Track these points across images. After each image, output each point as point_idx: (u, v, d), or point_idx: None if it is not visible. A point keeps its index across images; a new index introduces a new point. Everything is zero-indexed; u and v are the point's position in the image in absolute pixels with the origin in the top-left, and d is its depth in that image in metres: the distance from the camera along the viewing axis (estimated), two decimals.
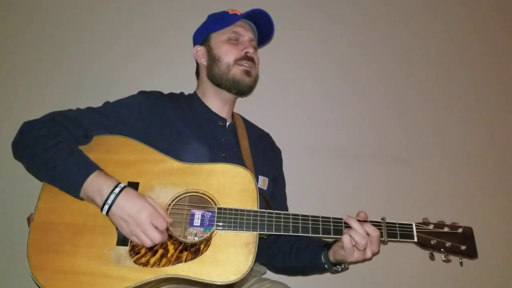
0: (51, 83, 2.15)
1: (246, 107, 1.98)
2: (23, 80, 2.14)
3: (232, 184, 1.47)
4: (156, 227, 1.34)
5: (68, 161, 1.37)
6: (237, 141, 1.75)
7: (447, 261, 1.49)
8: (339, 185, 2.25)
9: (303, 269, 1.70)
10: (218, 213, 1.42)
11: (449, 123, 2.41)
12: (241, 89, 1.72)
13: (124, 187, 1.36)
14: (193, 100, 1.80)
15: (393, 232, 1.48)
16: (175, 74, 2.17)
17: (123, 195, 1.34)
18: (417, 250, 1.57)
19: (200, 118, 1.73)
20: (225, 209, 1.43)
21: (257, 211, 1.44)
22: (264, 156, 1.80)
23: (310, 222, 1.45)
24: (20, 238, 1.40)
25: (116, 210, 1.33)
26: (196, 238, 1.42)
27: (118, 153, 1.49)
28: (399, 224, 1.49)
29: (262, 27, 1.82)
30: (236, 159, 1.65)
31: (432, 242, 1.48)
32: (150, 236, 1.33)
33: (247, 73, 1.71)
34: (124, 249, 1.36)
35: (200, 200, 1.46)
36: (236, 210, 1.43)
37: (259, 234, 1.43)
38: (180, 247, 1.38)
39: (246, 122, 1.89)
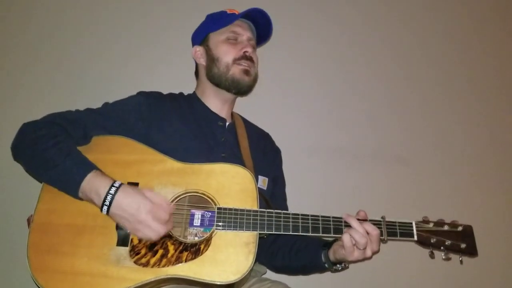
0: (51, 83, 2.15)
1: (246, 107, 1.98)
2: (23, 80, 2.14)
3: (231, 184, 1.47)
4: (159, 221, 1.34)
5: (67, 161, 1.37)
6: (237, 141, 1.75)
7: (447, 259, 1.50)
8: (339, 185, 2.24)
9: (303, 268, 1.70)
10: (218, 213, 1.42)
11: (449, 123, 2.41)
12: (241, 89, 1.72)
13: (120, 185, 1.35)
14: (193, 100, 1.80)
15: (393, 230, 1.48)
16: (175, 74, 2.17)
17: (120, 194, 1.34)
18: (417, 249, 1.57)
19: (200, 118, 1.73)
20: (225, 209, 1.43)
21: (257, 211, 1.44)
22: (263, 156, 1.80)
23: (310, 221, 1.45)
24: (20, 239, 1.40)
25: (115, 209, 1.33)
26: (196, 238, 1.42)
27: (117, 154, 1.49)
28: (399, 222, 1.49)
29: (261, 26, 1.82)
30: (236, 159, 1.65)
31: (432, 241, 1.48)
32: (155, 230, 1.33)
33: (246, 72, 1.71)
34: (124, 250, 1.36)
35: (199, 200, 1.46)
36: (236, 210, 1.43)
37: (259, 233, 1.43)
38: (180, 247, 1.38)
39: (246, 122, 1.89)
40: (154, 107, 1.64)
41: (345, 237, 1.42)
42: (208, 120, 1.74)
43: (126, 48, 2.24)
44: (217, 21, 1.78)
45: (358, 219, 1.45)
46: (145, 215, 1.33)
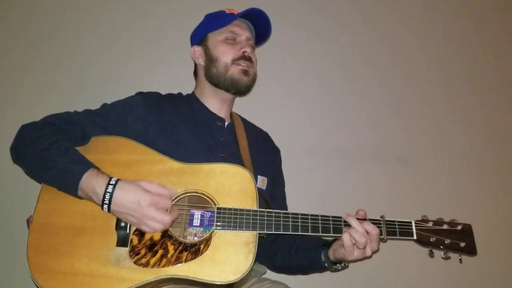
0: (51, 83, 2.15)
1: (246, 107, 1.98)
2: (23, 80, 2.14)
3: (231, 184, 1.47)
4: (162, 211, 1.34)
5: (65, 160, 1.37)
6: (236, 141, 1.75)
7: (447, 258, 1.50)
8: (339, 185, 2.24)
9: (303, 268, 1.70)
10: (217, 213, 1.42)
11: (449, 123, 2.41)
12: (240, 89, 1.72)
13: (117, 182, 1.35)
14: (192, 100, 1.80)
15: (393, 230, 1.48)
16: (174, 74, 2.17)
17: (118, 191, 1.33)
18: (417, 248, 1.58)
19: (199, 118, 1.73)
20: (224, 208, 1.43)
21: (256, 211, 1.44)
22: (263, 156, 1.80)
23: (309, 221, 1.45)
24: (20, 240, 1.40)
25: (116, 207, 1.34)
26: (195, 238, 1.42)
27: (116, 154, 1.49)
28: (398, 222, 1.50)
29: (260, 26, 1.81)
30: (235, 159, 1.65)
31: (431, 240, 1.49)
32: (160, 220, 1.34)
33: (245, 72, 1.71)
34: (124, 250, 1.36)
35: (199, 200, 1.46)
36: (236, 209, 1.43)
37: (259, 233, 1.43)
38: (180, 248, 1.38)
39: (245, 122, 1.88)
40: (153, 108, 1.64)
41: (345, 237, 1.43)
42: (207, 120, 1.74)
43: (125, 48, 2.24)
44: (215, 21, 1.78)
45: (358, 219, 1.46)
46: (147, 208, 1.33)
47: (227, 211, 1.42)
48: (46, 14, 2.23)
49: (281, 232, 1.45)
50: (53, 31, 2.21)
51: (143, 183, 1.37)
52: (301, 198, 2.00)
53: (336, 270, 1.58)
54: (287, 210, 1.74)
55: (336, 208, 1.54)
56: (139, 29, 2.27)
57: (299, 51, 2.39)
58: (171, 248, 1.37)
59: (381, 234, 1.46)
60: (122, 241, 1.37)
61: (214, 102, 1.78)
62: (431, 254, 1.49)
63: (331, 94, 2.37)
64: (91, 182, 1.34)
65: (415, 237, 1.49)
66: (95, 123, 1.54)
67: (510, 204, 2.31)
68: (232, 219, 1.42)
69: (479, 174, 2.34)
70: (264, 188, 1.72)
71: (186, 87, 1.88)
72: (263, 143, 1.90)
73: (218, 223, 1.41)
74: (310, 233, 1.45)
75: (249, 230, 1.41)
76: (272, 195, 1.76)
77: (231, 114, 1.86)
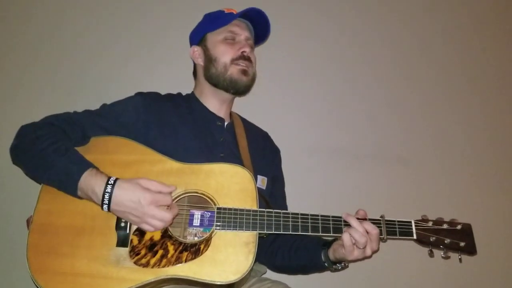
0: (51, 83, 2.15)
1: (246, 107, 1.98)
2: (23, 80, 2.14)
3: (231, 184, 1.47)
4: (162, 209, 1.34)
5: (64, 160, 1.37)
6: (236, 141, 1.74)
7: (447, 257, 1.51)
8: (339, 185, 2.24)
9: (303, 267, 1.71)
10: (217, 213, 1.42)
11: (449, 123, 2.41)
12: (239, 89, 1.72)
13: (115, 181, 1.35)
14: (191, 100, 1.80)
15: (393, 229, 1.48)
16: (174, 74, 2.17)
17: (117, 190, 1.33)
18: (417, 247, 1.58)
19: (198, 118, 1.73)
20: (224, 208, 1.43)
21: (256, 211, 1.44)
22: (262, 156, 1.80)
23: (309, 220, 1.45)
24: (20, 240, 1.40)
25: (116, 206, 1.33)
26: (195, 238, 1.42)
27: (116, 154, 1.49)
28: (398, 221, 1.50)
29: (259, 25, 1.81)
30: (235, 158, 1.65)
31: (431, 239, 1.49)
32: (161, 218, 1.33)
33: (244, 72, 1.71)
34: (124, 250, 1.36)
35: (199, 200, 1.46)
36: (236, 209, 1.43)
37: (259, 233, 1.43)
38: (180, 248, 1.38)
39: (245, 122, 1.88)
40: (153, 108, 1.64)
41: (345, 236, 1.43)
42: (207, 120, 1.74)
43: (125, 48, 2.24)
44: (214, 21, 1.78)
45: (358, 218, 1.46)
46: (147, 206, 1.32)
47: (227, 211, 1.42)
48: (46, 14, 2.23)
49: (281, 232, 1.45)
50: (53, 31, 2.21)
51: (142, 181, 1.36)
52: (301, 198, 2.00)
53: (336, 270, 1.58)
54: (287, 210, 1.74)
55: (336, 208, 1.54)
56: (139, 29, 2.27)
57: (299, 51, 2.39)
58: (171, 248, 1.37)
59: (381, 234, 1.46)
60: (122, 241, 1.37)
61: (214, 102, 1.78)
62: (431, 254, 1.49)
63: (331, 94, 2.37)
64: (90, 182, 1.34)
65: (415, 237, 1.49)
66: (95, 124, 1.54)
67: (510, 204, 2.31)
68: (232, 219, 1.42)
69: (479, 174, 2.34)
70: (264, 188, 1.72)
71: (185, 87, 1.88)
72: (263, 143, 1.90)
73: (218, 223, 1.41)
74: (310, 233, 1.45)
75: (249, 230, 1.41)
76: (272, 195, 1.76)
77: (231, 114, 1.86)
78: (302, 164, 2.23)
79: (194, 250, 1.37)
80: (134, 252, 1.36)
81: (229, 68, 1.70)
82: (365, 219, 1.47)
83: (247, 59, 1.72)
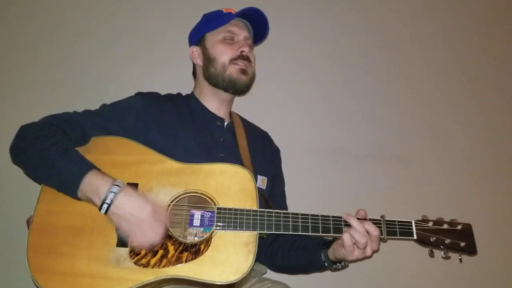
0: (51, 83, 2.15)
1: (246, 107, 1.98)
2: (23, 80, 2.14)
3: (231, 184, 1.47)
4: (155, 228, 1.33)
5: (65, 160, 1.36)
6: (235, 141, 1.74)
7: (447, 258, 1.51)
8: (339, 185, 2.24)
9: (303, 267, 1.71)
10: (217, 213, 1.42)
11: (449, 123, 2.41)
12: (238, 88, 1.72)
13: (122, 185, 1.35)
14: (191, 101, 1.80)
15: (393, 230, 1.48)
16: (174, 75, 2.17)
17: (123, 194, 1.33)
18: (417, 248, 1.58)
19: (198, 118, 1.73)
20: (224, 209, 1.43)
21: (256, 211, 1.44)
22: (262, 155, 1.80)
23: (309, 221, 1.46)
24: (20, 240, 1.40)
25: (116, 209, 1.32)
26: (196, 238, 1.42)
27: (116, 154, 1.49)
28: (398, 221, 1.50)
29: (257, 25, 1.81)
30: (235, 158, 1.65)
31: (431, 239, 1.49)
32: (149, 237, 1.32)
33: (243, 72, 1.71)
34: (124, 250, 1.36)
35: (199, 200, 1.46)
36: (236, 209, 1.43)
37: (259, 233, 1.43)
38: (180, 248, 1.38)
39: (244, 122, 1.88)
40: (152, 108, 1.64)
41: (345, 237, 1.43)
42: (207, 120, 1.74)
43: (125, 48, 2.24)
44: (213, 20, 1.78)
45: (358, 219, 1.46)
46: (146, 217, 1.32)
47: (227, 211, 1.42)
48: (46, 14, 2.23)
49: (281, 232, 1.45)
50: (53, 31, 2.21)
51: (146, 193, 1.37)
52: (301, 198, 1.99)
53: (336, 269, 1.58)
54: (287, 210, 1.75)
55: (336, 208, 1.54)
56: (139, 29, 2.27)
57: (299, 50, 2.39)
58: (171, 249, 1.37)
59: (381, 234, 1.46)
60: (122, 242, 1.37)
61: (213, 102, 1.78)
62: (431, 254, 1.49)
63: (331, 94, 2.37)
64: (95, 182, 1.33)
65: (415, 237, 1.49)
66: (95, 124, 1.54)
67: (510, 204, 2.31)
68: (232, 219, 1.42)
69: (479, 174, 2.34)
70: (264, 187, 1.72)
71: (185, 87, 1.88)
72: (263, 142, 1.90)
73: (218, 223, 1.41)
74: (310, 233, 1.45)
75: (249, 230, 1.42)
76: (272, 195, 1.76)
77: (231, 114, 1.86)
78: (302, 164, 2.23)
79: (194, 250, 1.37)
80: (134, 252, 1.36)
81: (228, 68, 1.70)
82: (365, 219, 1.47)
83: (246, 58, 1.72)
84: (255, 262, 1.39)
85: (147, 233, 1.33)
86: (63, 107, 1.59)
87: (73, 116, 1.55)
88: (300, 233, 1.45)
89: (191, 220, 1.45)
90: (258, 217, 1.43)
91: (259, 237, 1.43)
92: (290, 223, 1.45)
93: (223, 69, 1.70)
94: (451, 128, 2.40)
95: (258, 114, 2.02)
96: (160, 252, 1.36)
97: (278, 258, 1.70)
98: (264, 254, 1.70)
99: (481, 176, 2.34)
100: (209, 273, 1.35)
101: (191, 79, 1.90)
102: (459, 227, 1.50)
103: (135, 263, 1.34)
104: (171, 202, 1.43)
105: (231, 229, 1.41)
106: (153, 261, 1.35)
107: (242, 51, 1.72)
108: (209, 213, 1.44)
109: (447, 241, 1.48)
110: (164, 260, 1.36)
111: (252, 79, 1.77)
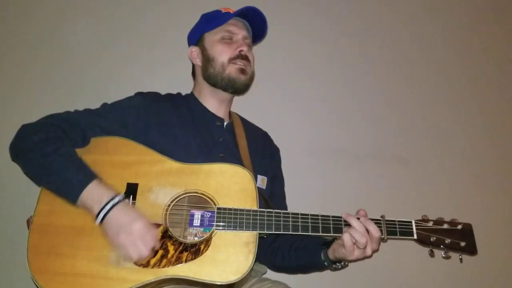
0: (51, 83, 2.15)
1: (246, 107, 1.98)
2: (23, 80, 2.14)
3: (230, 184, 1.47)
4: (145, 242, 1.32)
5: (66, 168, 1.36)
6: (235, 141, 1.74)
7: (447, 257, 1.50)
8: (339, 185, 2.24)
9: (303, 267, 1.71)
10: (217, 213, 1.42)
11: (449, 123, 2.41)
12: (237, 88, 1.72)
13: (123, 198, 1.35)
14: (190, 101, 1.79)
15: (393, 229, 1.48)
16: (174, 74, 2.17)
17: (120, 206, 1.33)
18: (417, 247, 1.58)
19: (198, 118, 1.73)
20: (224, 209, 1.43)
21: (256, 211, 1.44)
22: (262, 155, 1.80)
23: (309, 220, 1.45)
24: (20, 241, 1.40)
25: (110, 219, 1.32)
26: (196, 238, 1.42)
27: (116, 155, 1.49)
28: (398, 221, 1.49)
29: (256, 24, 1.81)
30: (234, 158, 1.65)
31: (431, 239, 1.48)
32: (138, 248, 1.31)
33: (242, 71, 1.71)
34: None
35: (199, 200, 1.46)
36: (236, 209, 1.43)
37: (259, 233, 1.43)
38: (180, 248, 1.38)
39: (244, 121, 1.88)
40: (152, 108, 1.64)
41: (346, 237, 1.43)
42: (206, 120, 1.74)
43: (125, 48, 2.24)
44: (211, 20, 1.78)
45: (358, 218, 1.45)
46: (136, 229, 1.31)
47: (227, 211, 1.42)
48: (46, 14, 2.23)
49: (281, 232, 1.45)
50: (53, 31, 2.21)
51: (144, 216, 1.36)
52: (301, 198, 1.99)
53: (336, 269, 1.58)
54: (286, 209, 1.75)
55: (336, 208, 1.54)
56: (139, 29, 2.27)
57: (299, 50, 2.39)
58: (171, 249, 1.37)
59: (381, 233, 1.46)
60: None
61: (213, 102, 1.78)
62: (432, 254, 1.49)
63: (331, 94, 2.37)
64: (98, 192, 1.34)
65: (415, 237, 1.49)
66: (95, 124, 1.54)
67: (510, 204, 2.31)
68: (232, 219, 1.42)
69: (479, 174, 2.34)
70: (264, 187, 1.72)
71: (185, 87, 1.88)
72: (263, 142, 1.90)
73: (219, 223, 1.41)
74: (310, 233, 1.45)
75: (249, 230, 1.42)
76: (272, 195, 1.76)
77: (230, 114, 1.86)
78: (302, 164, 2.23)
79: (194, 250, 1.37)
80: None
81: (227, 68, 1.70)
82: (365, 219, 1.47)
83: (245, 58, 1.72)
84: (255, 262, 1.39)
85: (137, 246, 1.31)
86: (63, 107, 1.59)
87: (74, 116, 1.55)
88: (300, 233, 1.45)
89: (191, 220, 1.45)
90: (258, 217, 1.43)
91: (259, 237, 1.43)
92: (290, 223, 1.45)
93: (222, 69, 1.70)
94: (451, 128, 2.40)
95: (258, 114, 2.02)
96: (160, 252, 1.36)
97: (278, 258, 1.70)
98: (264, 254, 1.70)
99: (481, 176, 2.34)
100: (209, 273, 1.35)
101: (191, 79, 1.89)
102: (459, 226, 1.50)
103: (135, 263, 1.34)
104: (171, 202, 1.43)
105: (231, 229, 1.41)
106: (153, 261, 1.35)
107: (240, 51, 1.72)
108: (209, 213, 1.44)
109: (447, 240, 1.48)
110: (164, 260, 1.36)
111: (251, 79, 1.77)
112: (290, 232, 1.45)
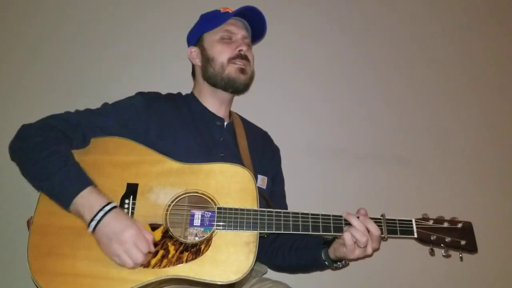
0: (51, 83, 2.15)
1: (246, 107, 1.98)
2: (23, 80, 2.14)
3: (231, 184, 1.47)
4: (138, 249, 1.31)
5: (62, 173, 1.35)
6: (235, 141, 1.74)
7: (447, 256, 1.50)
8: (339, 185, 2.24)
9: (304, 266, 1.71)
10: (218, 212, 1.42)
11: (449, 123, 2.41)
12: (237, 88, 1.72)
13: (115, 206, 1.35)
14: (191, 101, 1.79)
15: (393, 228, 1.48)
16: (175, 74, 2.17)
17: (112, 214, 1.32)
18: (417, 246, 1.58)
19: (198, 118, 1.72)
20: (225, 208, 1.43)
21: (257, 210, 1.44)
22: (262, 155, 1.80)
23: (310, 220, 1.45)
24: (20, 241, 1.40)
25: (103, 227, 1.31)
26: (196, 238, 1.42)
27: (116, 155, 1.49)
28: (399, 220, 1.49)
29: (255, 24, 1.81)
30: (235, 158, 1.65)
31: (432, 238, 1.48)
32: (132, 255, 1.30)
33: (242, 71, 1.71)
34: None
35: (199, 200, 1.46)
36: (236, 209, 1.43)
37: (260, 233, 1.43)
38: (181, 248, 1.38)
39: (244, 121, 1.88)
40: (152, 108, 1.64)
41: (346, 236, 1.43)
42: (206, 120, 1.74)
43: (125, 48, 2.24)
44: (210, 20, 1.77)
45: (359, 218, 1.46)
46: (128, 237, 1.30)
47: (227, 211, 1.42)
48: (46, 14, 2.23)
49: (282, 232, 1.45)
50: (53, 31, 2.21)
51: (138, 222, 1.36)
52: (301, 198, 1.99)
53: (337, 268, 1.58)
54: (287, 209, 1.75)
55: (336, 207, 1.54)
56: (139, 29, 2.27)
57: (299, 50, 2.39)
58: (171, 249, 1.37)
59: (381, 232, 1.46)
60: None
61: (213, 102, 1.78)
62: (432, 253, 1.49)
63: (331, 94, 2.37)
64: (90, 199, 1.33)
65: (415, 236, 1.48)
66: (95, 124, 1.54)
67: (510, 203, 2.31)
68: (233, 219, 1.42)
69: (479, 174, 2.34)
70: (264, 187, 1.72)
71: (185, 87, 1.88)
72: (263, 142, 1.90)
73: (219, 223, 1.41)
74: (311, 232, 1.45)
75: (250, 230, 1.41)
76: (272, 194, 1.76)
77: (230, 114, 1.86)
78: (302, 164, 2.23)
79: (195, 250, 1.37)
80: None
81: (226, 68, 1.70)
82: (366, 218, 1.47)
83: (245, 57, 1.72)
84: (255, 261, 1.39)
85: (126, 253, 1.30)
86: (63, 107, 1.59)
87: (74, 116, 1.55)
88: (300, 232, 1.45)
89: (192, 220, 1.45)
90: (259, 217, 1.43)
91: (259, 236, 1.43)
92: (291, 223, 1.45)
93: (221, 68, 1.70)
94: (451, 128, 2.40)
95: (258, 114, 2.02)
96: (161, 252, 1.36)
97: (278, 258, 1.70)
98: (264, 253, 1.70)
99: (481, 176, 2.34)
100: (209, 273, 1.35)
101: (191, 79, 1.89)
102: (459, 225, 1.50)
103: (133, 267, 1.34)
104: (172, 202, 1.43)
105: (231, 229, 1.41)
106: (153, 261, 1.35)
107: (240, 50, 1.71)
108: (210, 213, 1.44)
109: (448, 239, 1.48)
110: (165, 260, 1.36)
111: (251, 78, 1.77)
112: (291, 232, 1.45)
